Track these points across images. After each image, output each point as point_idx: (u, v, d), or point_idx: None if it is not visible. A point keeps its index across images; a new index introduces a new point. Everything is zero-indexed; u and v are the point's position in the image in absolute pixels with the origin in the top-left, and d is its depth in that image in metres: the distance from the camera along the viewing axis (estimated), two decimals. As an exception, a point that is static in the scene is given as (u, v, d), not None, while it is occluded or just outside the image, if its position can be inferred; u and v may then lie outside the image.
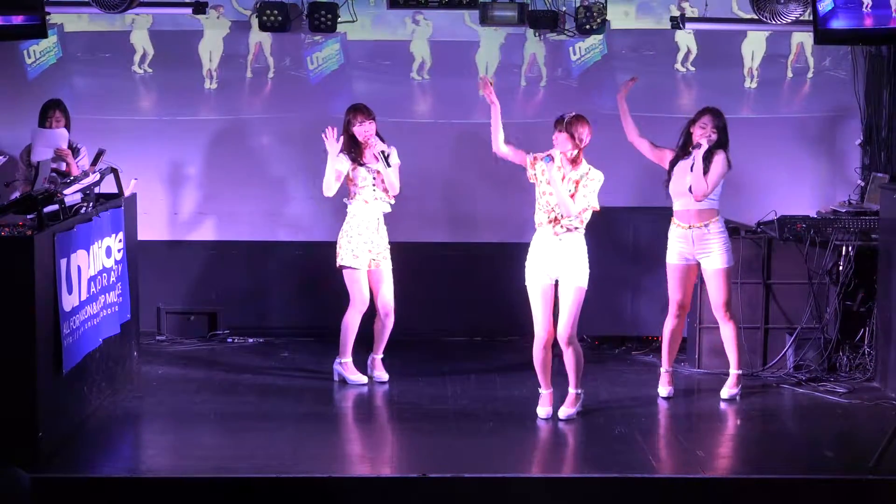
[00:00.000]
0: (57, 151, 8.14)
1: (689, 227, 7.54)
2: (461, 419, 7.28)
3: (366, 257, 7.87)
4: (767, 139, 9.12)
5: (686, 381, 8.14)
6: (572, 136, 7.04)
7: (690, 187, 7.47)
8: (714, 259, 7.57)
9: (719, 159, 7.48)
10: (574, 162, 7.09)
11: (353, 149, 7.87)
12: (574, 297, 7.12)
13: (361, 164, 7.87)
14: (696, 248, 7.56)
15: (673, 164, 7.62)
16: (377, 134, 7.90)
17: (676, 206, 7.63)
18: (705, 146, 7.45)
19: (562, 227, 7.06)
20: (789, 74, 9.29)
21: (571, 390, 7.29)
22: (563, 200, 7.00)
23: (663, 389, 7.74)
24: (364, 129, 7.84)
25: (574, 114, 7.11)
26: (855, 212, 8.33)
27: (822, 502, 6.18)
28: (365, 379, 8.03)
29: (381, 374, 8.13)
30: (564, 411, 7.26)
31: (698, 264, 7.62)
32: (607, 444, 6.93)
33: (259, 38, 9.15)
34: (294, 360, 8.63)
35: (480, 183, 9.19)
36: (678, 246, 7.61)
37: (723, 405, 7.64)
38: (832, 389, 7.86)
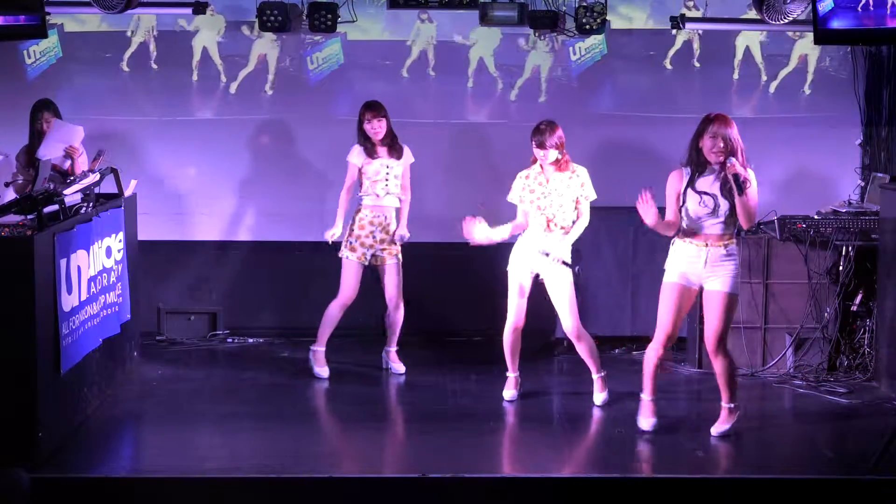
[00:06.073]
0: (68, 149, 8.10)
1: (707, 245, 6.67)
2: (461, 419, 7.27)
3: (362, 251, 7.91)
4: (767, 139, 9.10)
5: (686, 381, 8.13)
6: (556, 146, 7.12)
7: (729, 214, 6.59)
8: (723, 282, 6.69)
9: (751, 179, 6.56)
10: (560, 165, 7.13)
11: (367, 144, 7.94)
12: (566, 289, 7.21)
13: (375, 158, 7.90)
14: (707, 270, 6.68)
15: (690, 184, 6.65)
16: (390, 131, 7.93)
17: (697, 225, 6.64)
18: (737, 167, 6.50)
19: (554, 225, 7.17)
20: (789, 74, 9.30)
21: (595, 375, 7.44)
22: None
23: (646, 422, 6.96)
24: (372, 127, 7.88)
25: (545, 123, 7.17)
26: (855, 212, 8.31)
27: (822, 502, 6.18)
28: (326, 374, 8.04)
29: (398, 367, 8.21)
30: (600, 397, 7.43)
31: (700, 290, 6.78)
32: (607, 444, 6.94)
33: (263, 47, 9.17)
34: (294, 360, 8.62)
35: (480, 183, 9.17)
36: (684, 265, 6.71)
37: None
38: (832, 389, 7.86)
